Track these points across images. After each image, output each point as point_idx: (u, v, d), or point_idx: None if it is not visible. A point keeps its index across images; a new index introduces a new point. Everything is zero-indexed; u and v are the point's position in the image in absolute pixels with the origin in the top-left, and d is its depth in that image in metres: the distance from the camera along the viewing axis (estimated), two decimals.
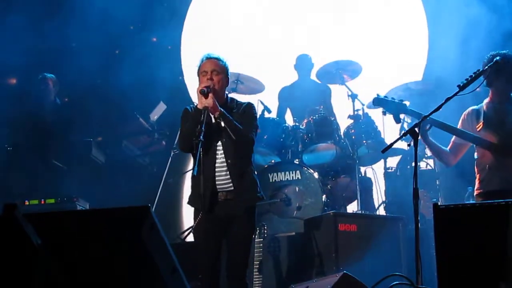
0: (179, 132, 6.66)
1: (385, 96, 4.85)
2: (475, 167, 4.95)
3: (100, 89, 8.38)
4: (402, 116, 5.43)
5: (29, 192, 6.88)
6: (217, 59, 4.76)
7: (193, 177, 4.54)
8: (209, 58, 4.75)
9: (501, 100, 4.91)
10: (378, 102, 4.84)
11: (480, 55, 5.04)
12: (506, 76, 4.81)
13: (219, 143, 4.65)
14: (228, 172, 4.63)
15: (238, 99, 4.92)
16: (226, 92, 4.88)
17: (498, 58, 4.71)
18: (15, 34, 7.67)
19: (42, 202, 6.63)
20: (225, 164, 4.63)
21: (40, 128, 7.27)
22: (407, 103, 4.90)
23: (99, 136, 8.09)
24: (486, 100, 4.98)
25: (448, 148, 4.96)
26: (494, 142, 4.80)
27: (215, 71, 4.68)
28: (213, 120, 4.63)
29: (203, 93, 4.52)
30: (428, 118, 4.32)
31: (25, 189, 6.98)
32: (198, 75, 4.77)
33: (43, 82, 7.50)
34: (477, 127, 4.89)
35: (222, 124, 4.58)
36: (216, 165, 4.63)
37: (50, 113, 7.46)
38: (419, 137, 4.67)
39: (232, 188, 4.63)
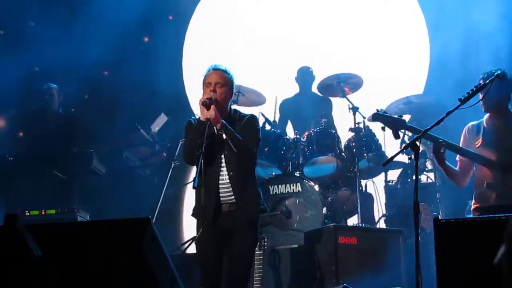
0: (180, 144, 6.75)
1: (384, 112, 4.84)
2: (474, 182, 4.94)
3: (101, 100, 8.39)
4: (401, 132, 5.42)
5: (29, 202, 6.88)
6: (223, 71, 4.71)
7: (196, 189, 4.48)
8: (215, 69, 4.71)
9: (501, 116, 4.90)
10: (377, 117, 4.84)
11: (481, 69, 5.05)
12: (505, 91, 4.82)
13: (222, 155, 4.63)
14: (230, 184, 4.62)
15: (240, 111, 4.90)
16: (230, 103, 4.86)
17: (499, 72, 4.73)
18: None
19: (43, 212, 6.62)
20: (228, 176, 4.62)
21: (41, 138, 7.28)
22: (406, 117, 4.90)
23: (102, 147, 8.09)
24: (486, 116, 4.98)
25: (457, 168, 4.95)
26: (493, 159, 4.78)
27: (219, 84, 4.64)
28: (216, 132, 4.61)
29: (205, 104, 4.50)
30: (429, 132, 4.32)
31: (26, 199, 6.98)
32: (203, 86, 4.74)
33: (48, 92, 7.52)
34: (476, 143, 4.88)
35: (224, 136, 4.57)
36: (220, 177, 4.61)
37: (52, 123, 7.47)
38: (437, 163, 4.68)
39: (234, 200, 4.62)
